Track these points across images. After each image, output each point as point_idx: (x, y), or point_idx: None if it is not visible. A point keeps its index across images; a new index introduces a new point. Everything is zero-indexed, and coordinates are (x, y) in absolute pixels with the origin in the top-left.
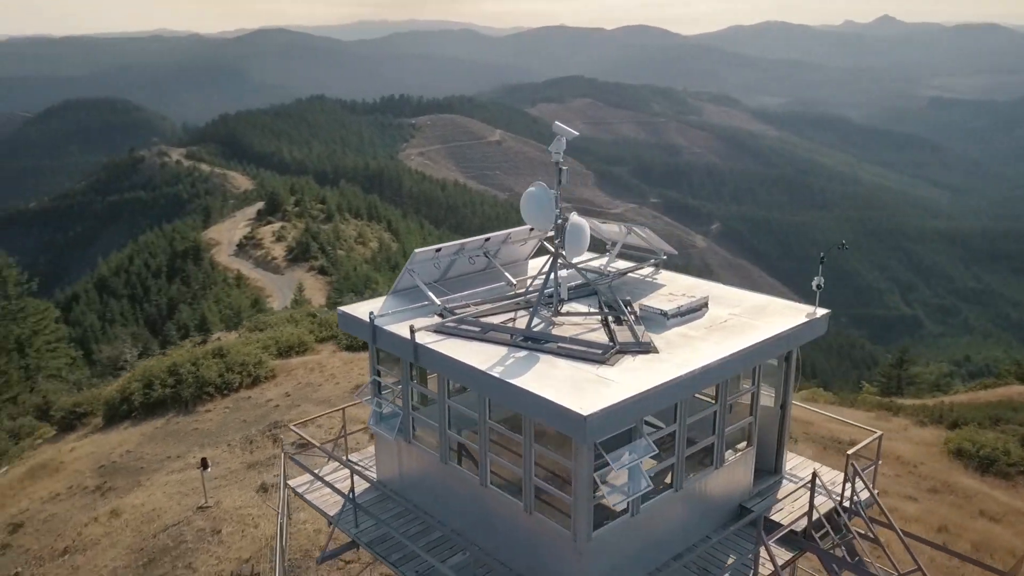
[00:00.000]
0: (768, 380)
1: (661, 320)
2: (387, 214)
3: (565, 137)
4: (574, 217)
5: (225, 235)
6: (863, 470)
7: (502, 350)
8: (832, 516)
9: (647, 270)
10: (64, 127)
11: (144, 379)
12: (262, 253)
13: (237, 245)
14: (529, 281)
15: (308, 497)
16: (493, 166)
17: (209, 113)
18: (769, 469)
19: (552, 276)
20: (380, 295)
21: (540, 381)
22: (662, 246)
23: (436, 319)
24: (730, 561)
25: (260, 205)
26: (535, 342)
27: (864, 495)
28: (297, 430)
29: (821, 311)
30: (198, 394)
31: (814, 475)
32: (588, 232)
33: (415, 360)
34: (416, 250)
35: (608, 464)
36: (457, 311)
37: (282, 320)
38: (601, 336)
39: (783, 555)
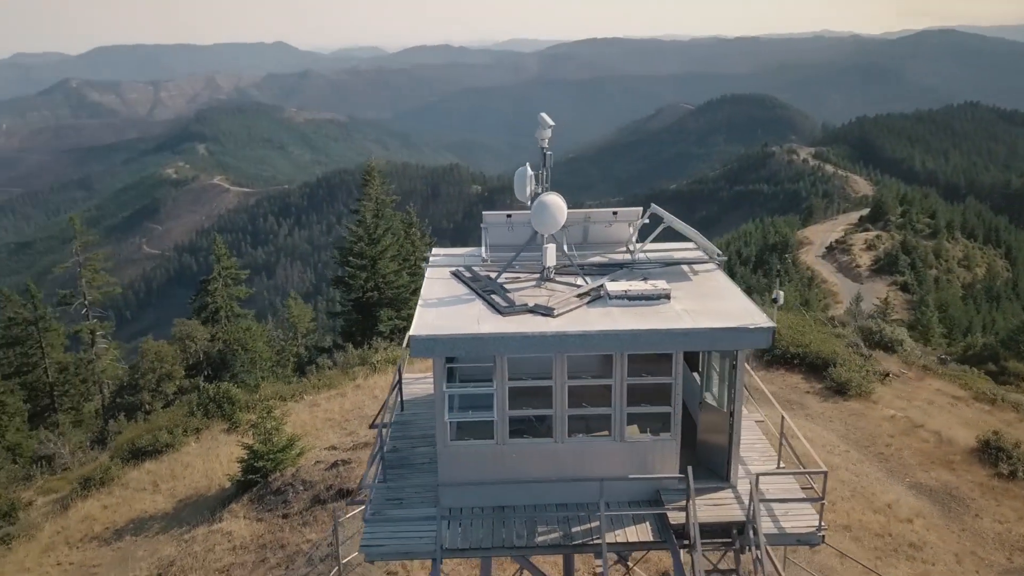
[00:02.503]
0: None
1: (605, 298)
2: (1011, 240)
3: (549, 127)
4: (545, 196)
5: (820, 236)
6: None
7: (463, 291)
8: (731, 529)
9: (708, 266)
10: (716, 119)
11: None
12: (848, 259)
13: (827, 247)
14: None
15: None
16: None
17: (852, 114)
18: (721, 475)
19: (546, 248)
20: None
21: (438, 313)
22: (714, 251)
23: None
24: (594, 524)
25: (865, 211)
26: (488, 293)
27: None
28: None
29: (765, 323)
30: None
31: (688, 471)
32: (556, 211)
33: None
34: (486, 212)
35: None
36: (488, 265)
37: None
38: (545, 300)
39: (637, 536)
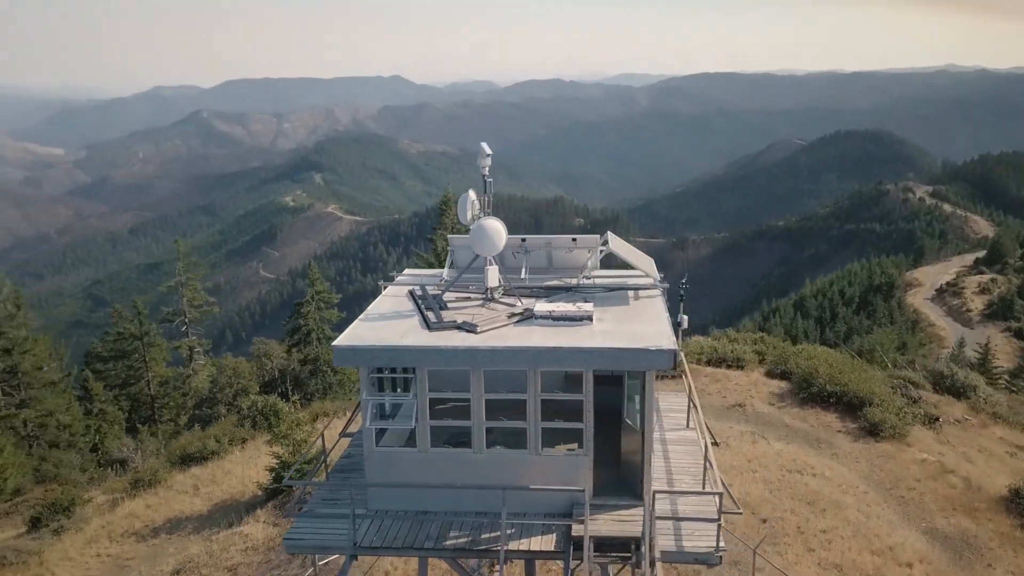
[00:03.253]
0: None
1: (532, 318)
2: None
3: (488, 156)
4: (484, 220)
5: (930, 278)
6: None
7: (408, 308)
8: (630, 545)
9: (652, 292)
10: (829, 155)
11: None
12: (958, 303)
13: (936, 290)
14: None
15: None
16: None
17: (978, 151)
18: (636, 494)
19: (488, 270)
20: None
21: (370, 326)
22: (656, 277)
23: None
24: (494, 535)
25: (981, 253)
26: (426, 309)
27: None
28: None
29: (667, 346)
30: None
31: (587, 486)
32: (493, 234)
33: None
34: (452, 236)
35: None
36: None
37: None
38: (476, 317)
39: (541, 545)
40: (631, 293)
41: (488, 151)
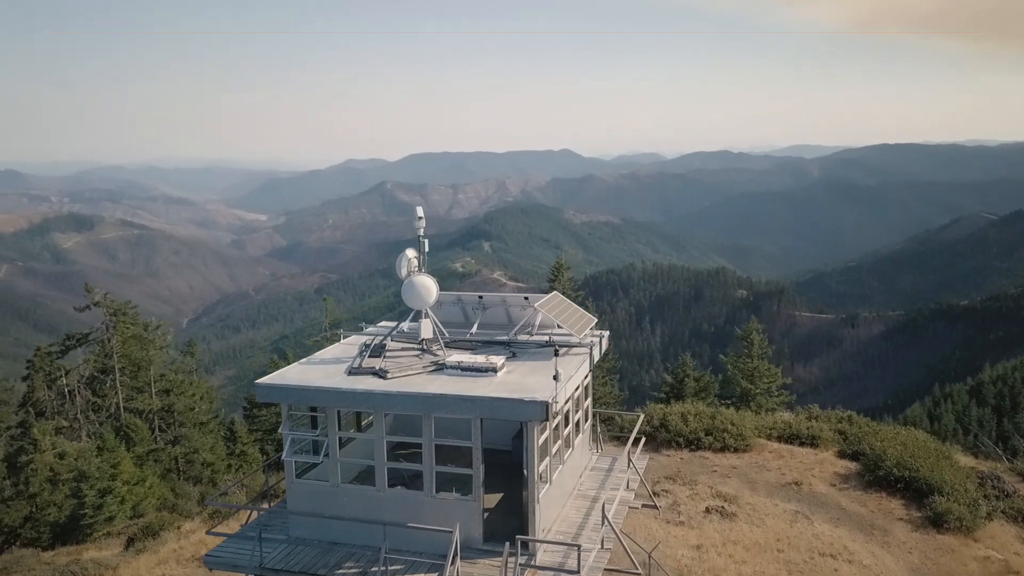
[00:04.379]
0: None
1: (443, 367)
2: None
3: (420, 218)
4: (415, 276)
5: None
6: None
7: (351, 354)
8: None
9: (580, 349)
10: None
11: (680, 416)
12: None
13: None
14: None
15: None
16: None
17: None
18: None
19: (423, 323)
20: None
21: (303, 368)
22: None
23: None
24: (393, 568)
25: None
26: (362, 354)
27: None
28: None
29: (540, 398)
30: (671, 439)
31: (455, 528)
32: (422, 289)
33: None
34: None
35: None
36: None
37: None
38: (399, 365)
39: None
40: (563, 349)
41: (421, 214)
